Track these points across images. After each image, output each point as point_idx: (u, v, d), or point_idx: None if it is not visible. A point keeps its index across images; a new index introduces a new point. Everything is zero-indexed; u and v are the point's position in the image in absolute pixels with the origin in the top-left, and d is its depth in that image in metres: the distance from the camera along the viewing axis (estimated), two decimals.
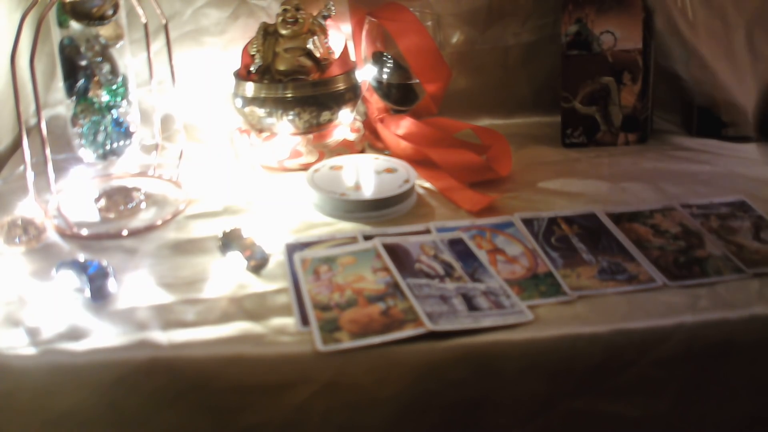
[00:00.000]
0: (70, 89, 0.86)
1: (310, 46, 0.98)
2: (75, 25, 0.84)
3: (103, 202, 0.88)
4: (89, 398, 0.63)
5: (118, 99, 0.88)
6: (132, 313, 0.68)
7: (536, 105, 1.17)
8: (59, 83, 0.90)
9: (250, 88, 0.98)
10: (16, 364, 0.63)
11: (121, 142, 0.89)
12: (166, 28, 0.91)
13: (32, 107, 1.06)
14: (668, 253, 0.77)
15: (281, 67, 0.98)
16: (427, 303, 0.68)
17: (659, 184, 0.93)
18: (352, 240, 0.80)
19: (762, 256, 0.77)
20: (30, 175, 0.83)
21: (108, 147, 0.88)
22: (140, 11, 0.92)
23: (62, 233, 0.83)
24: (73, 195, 0.91)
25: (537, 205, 0.88)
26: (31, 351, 0.63)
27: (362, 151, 1.05)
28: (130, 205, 0.88)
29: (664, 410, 0.68)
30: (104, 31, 0.86)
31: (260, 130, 1.01)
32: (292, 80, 0.98)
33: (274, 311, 0.69)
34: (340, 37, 1.04)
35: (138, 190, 0.91)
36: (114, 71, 0.87)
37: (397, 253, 0.76)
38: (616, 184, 0.94)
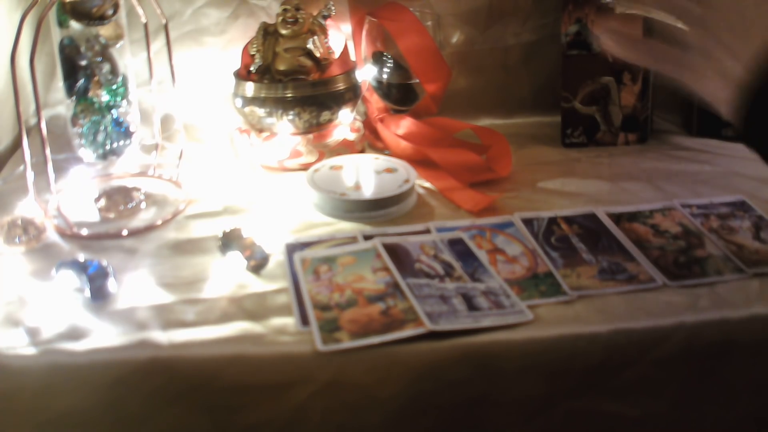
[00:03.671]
0: (70, 89, 0.86)
1: (310, 46, 0.98)
2: (75, 25, 0.84)
3: (103, 202, 0.88)
4: (89, 398, 0.63)
5: (118, 99, 0.88)
6: (132, 313, 0.68)
7: (536, 105, 1.17)
8: (59, 83, 0.90)
9: (250, 88, 0.98)
10: (16, 364, 0.63)
11: (121, 142, 0.89)
12: (166, 28, 0.91)
13: (32, 107, 1.05)
14: (668, 253, 0.77)
15: (281, 67, 0.98)
16: (427, 303, 0.68)
17: (659, 184, 0.93)
18: (352, 240, 0.80)
19: (762, 256, 0.77)
20: (30, 175, 0.83)
21: (108, 147, 0.88)
22: (140, 11, 0.92)
23: (62, 233, 0.83)
24: (73, 195, 0.91)
25: (537, 205, 0.88)
26: (31, 351, 0.63)
27: (362, 151, 1.05)
28: (130, 205, 0.88)
29: (664, 410, 0.68)
30: (104, 31, 0.86)
31: (260, 130, 1.01)
32: (292, 80, 0.98)
33: (274, 311, 0.69)
34: (340, 37, 1.04)
35: (138, 190, 0.91)
36: (114, 71, 0.87)
37: (397, 253, 0.76)
38: (616, 184, 0.94)
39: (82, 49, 0.85)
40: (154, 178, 0.96)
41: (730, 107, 0.58)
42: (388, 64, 1.03)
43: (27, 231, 0.80)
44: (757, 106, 0.56)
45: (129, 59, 0.89)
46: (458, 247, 0.78)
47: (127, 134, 0.89)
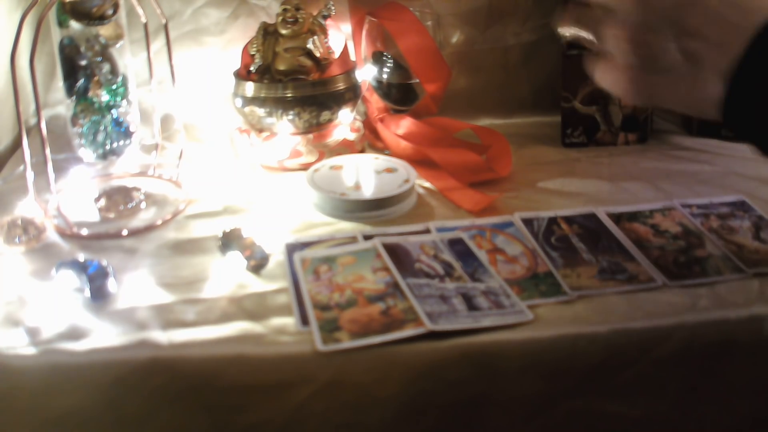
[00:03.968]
0: (70, 89, 0.86)
1: (310, 45, 0.98)
2: (75, 25, 0.84)
3: (103, 202, 0.88)
4: (89, 398, 0.63)
5: (118, 99, 0.88)
6: (132, 313, 0.68)
7: (536, 105, 1.17)
8: (59, 83, 0.90)
9: (250, 88, 0.98)
10: (16, 364, 0.63)
11: (121, 142, 0.89)
12: (166, 27, 0.91)
13: (32, 107, 1.06)
14: (668, 253, 0.77)
15: (281, 66, 0.98)
16: (427, 303, 0.68)
17: (659, 183, 0.93)
18: (352, 240, 0.80)
19: (762, 256, 0.77)
20: (30, 175, 0.83)
21: (108, 147, 0.88)
22: (140, 11, 0.92)
23: (62, 233, 0.83)
24: (73, 195, 0.91)
25: (537, 204, 0.88)
26: (31, 351, 0.63)
27: (362, 151, 1.05)
28: (130, 205, 0.88)
29: (665, 410, 0.68)
30: (104, 31, 0.86)
31: (260, 130, 1.01)
32: (292, 80, 0.98)
33: (274, 311, 0.69)
34: (340, 37, 1.04)
35: (138, 190, 0.91)
36: (114, 71, 0.87)
37: (397, 253, 0.76)
38: (616, 183, 0.94)
39: (82, 49, 0.85)
40: (154, 178, 0.96)
41: (720, 105, 0.55)
42: (388, 64, 1.03)
43: (27, 231, 0.80)
44: (741, 85, 0.53)
45: (129, 59, 0.89)
46: (458, 247, 0.78)
47: (127, 134, 0.89)
